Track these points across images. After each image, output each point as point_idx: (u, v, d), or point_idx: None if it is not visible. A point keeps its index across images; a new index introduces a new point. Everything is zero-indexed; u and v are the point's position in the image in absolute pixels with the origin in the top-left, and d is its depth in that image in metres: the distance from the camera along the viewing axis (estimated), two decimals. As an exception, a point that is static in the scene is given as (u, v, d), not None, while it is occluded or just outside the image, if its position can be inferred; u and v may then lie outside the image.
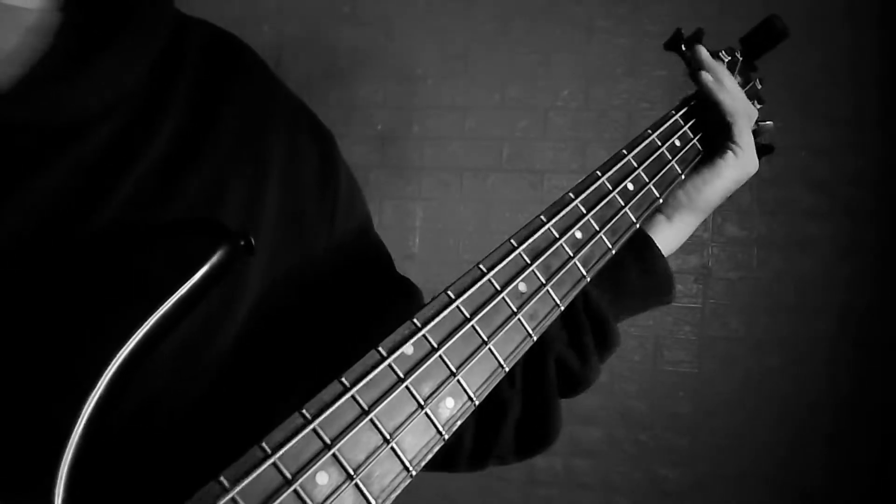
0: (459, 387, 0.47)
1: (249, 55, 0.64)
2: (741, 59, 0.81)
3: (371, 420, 0.42)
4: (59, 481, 0.38)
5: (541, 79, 2.26)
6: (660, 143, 0.69)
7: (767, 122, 0.81)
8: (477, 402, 0.48)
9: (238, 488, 0.37)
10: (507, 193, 2.27)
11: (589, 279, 0.58)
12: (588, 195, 0.60)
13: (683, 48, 0.78)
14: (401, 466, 0.43)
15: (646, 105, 2.21)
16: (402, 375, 0.44)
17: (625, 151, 0.66)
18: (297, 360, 0.62)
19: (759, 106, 0.82)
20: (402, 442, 0.43)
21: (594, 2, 2.24)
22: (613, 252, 0.61)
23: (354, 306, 0.66)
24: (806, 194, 2.11)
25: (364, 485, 0.41)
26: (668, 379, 2.15)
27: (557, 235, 0.56)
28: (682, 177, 0.72)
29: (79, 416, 0.39)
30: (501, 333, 0.50)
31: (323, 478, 0.40)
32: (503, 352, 0.50)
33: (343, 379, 0.42)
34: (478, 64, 2.29)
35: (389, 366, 0.44)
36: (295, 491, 0.39)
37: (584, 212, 0.59)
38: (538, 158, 2.26)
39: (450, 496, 2.20)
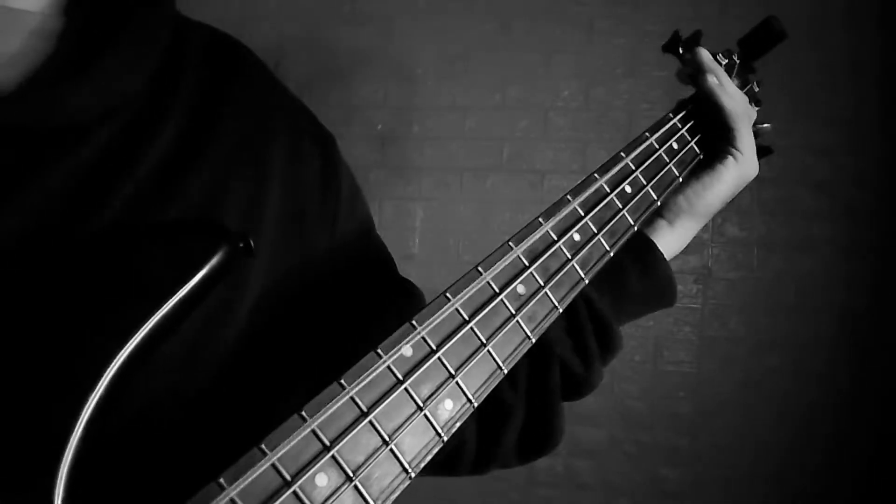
0: (458, 388, 0.47)
1: (250, 57, 0.64)
2: (739, 61, 0.81)
3: (370, 422, 0.42)
4: (59, 481, 0.38)
5: (541, 79, 2.27)
6: (657, 146, 0.69)
7: (766, 125, 0.81)
8: (476, 404, 0.48)
9: (237, 489, 0.37)
10: (507, 193, 2.27)
11: (587, 281, 0.58)
12: (586, 197, 0.60)
13: (681, 51, 0.78)
14: (400, 468, 0.43)
15: (646, 105, 2.21)
16: (401, 377, 0.44)
17: (623, 154, 0.66)
18: (297, 360, 0.62)
19: (757, 108, 0.82)
20: (401, 443, 0.43)
21: (595, 2, 2.24)
22: (612, 254, 0.61)
23: (355, 307, 0.66)
24: (806, 195, 2.11)
25: (363, 486, 0.41)
26: (669, 379, 2.15)
27: (556, 237, 0.57)
28: (680, 179, 0.72)
29: (79, 416, 0.40)
30: (500, 335, 0.50)
31: (322, 479, 0.40)
32: (502, 353, 0.50)
33: (342, 380, 0.43)
34: (478, 64, 2.30)
35: (388, 367, 0.44)
36: (294, 492, 0.39)
37: (583, 214, 0.59)
38: (538, 158, 2.26)
39: (449, 497, 2.20)
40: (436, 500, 2.14)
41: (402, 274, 0.75)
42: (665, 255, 0.75)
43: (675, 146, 0.71)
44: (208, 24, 0.63)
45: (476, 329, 0.49)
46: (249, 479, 0.38)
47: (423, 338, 0.46)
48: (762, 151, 0.80)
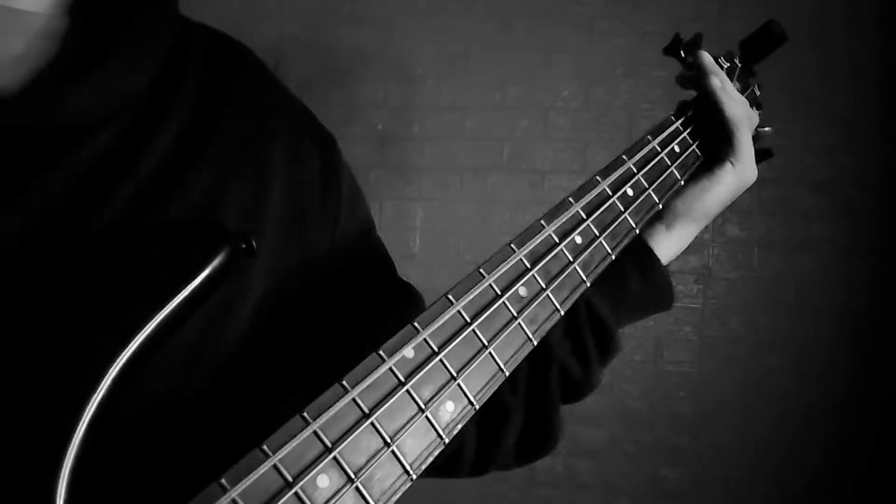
0: (460, 391, 0.47)
1: (250, 58, 0.64)
2: (740, 64, 0.81)
3: (372, 423, 0.42)
4: (61, 481, 0.38)
5: (541, 79, 2.27)
6: (659, 149, 0.69)
7: (766, 128, 0.81)
8: (477, 406, 0.48)
9: (239, 490, 0.37)
10: (507, 193, 2.27)
11: (589, 284, 0.58)
12: (588, 200, 0.60)
13: (683, 53, 0.78)
14: (401, 470, 0.43)
15: (646, 105, 2.21)
16: (402, 379, 0.44)
17: (624, 157, 0.66)
18: (298, 360, 0.63)
19: (758, 111, 0.82)
20: (402, 445, 0.43)
21: (595, 2, 2.24)
22: (613, 257, 0.61)
23: (355, 307, 0.66)
24: (806, 195, 2.11)
25: (365, 488, 0.41)
26: (669, 379, 2.16)
27: (557, 240, 0.57)
28: (682, 182, 0.72)
29: (81, 417, 0.40)
30: (502, 337, 0.50)
31: (324, 480, 0.40)
32: (503, 356, 0.50)
33: (344, 382, 0.43)
34: (478, 64, 2.30)
35: (390, 369, 0.44)
36: (296, 493, 0.39)
37: (584, 217, 0.59)
38: (539, 158, 2.26)
39: (450, 498, 2.20)
40: (436, 500, 2.14)
41: (403, 274, 0.75)
42: (663, 259, 0.75)
43: (677, 149, 0.71)
44: (208, 25, 0.63)
45: (478, 331, 0.49)
46: (251, 480, 0.38)
47: (424, 339, 0.46)
48: (762, 154, 0.80)
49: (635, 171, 0.66)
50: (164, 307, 0.43)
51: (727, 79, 0.76)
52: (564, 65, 2.26)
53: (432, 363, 0.46)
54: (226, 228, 0.47)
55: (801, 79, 2.03)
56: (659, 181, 0.68)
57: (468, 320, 0.49)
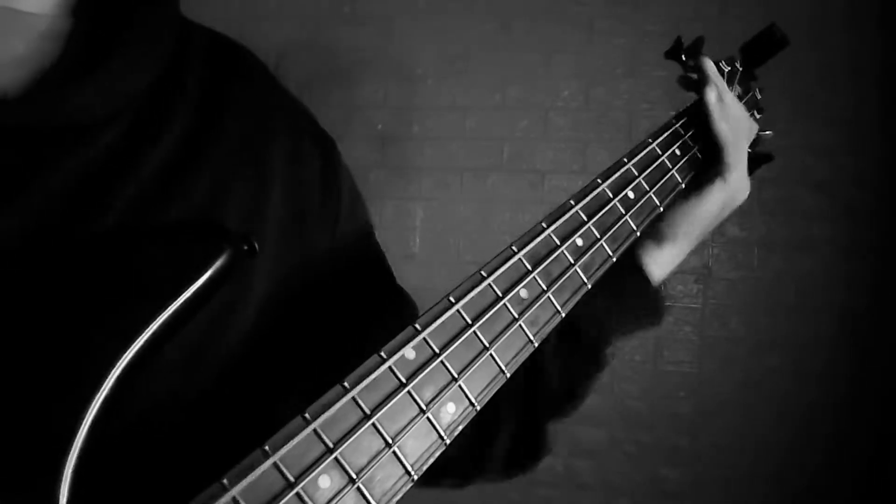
0: (461, 392, 0.47)
1: (251, 60, 0.65)
2: (741, 68, 0.81)
3: (373, 424, 0.43)
4: (63, 482, 0.39)
5: (541, 79, 2.27)
6: (660, 153, 0.70)
7: (767, 132, 0.81)
8: (478, 408, 0.48)
9: (240, 490, 0.37)
10: (507, 193, 2.27)
11: (590, 286, 0.58)
12: (588, 202, 0.60)
13: (684, 57, 0.78)
14: (402, 470, 0.43)
15: (646, 105, 2.21)
16: (403, 380, 0.45)
17: (625, 159, 0.66)
18: (299, 361, 0.63)
19: (758, 115, 0.82)
20: (403, 446, 0.44)
21: (595, 2, 2.24)
22: (614, 259, 0.61)
23: (354, 308, 0.67)
24: (806, 195, 2.11)
25: (366, 488, 0.41)
26: (669, 379, 2.16)
27: (558, 242, 0.57)
28: (683, 185, 0.72)
29: (83, 418, 0.40)
30: (503, 339, 0.50)
31: (325, 481, 0.40)
32: (504, 357, 0.50)
33: (345, 382, 0.43)
34: (478, 64, 2.30)
35: (391, 370, 0.44)
36: (297, 494, 0.39)
37: (585, 219, 0.59)
38: (539, 158, 2.26)
39: (449, 497, 2.20)
40: (436, 500, 2.14)
41: (403, 274, 0.75)
42: (655, 277, 0.74)
43: (678, 152, 0.71)
44: (209, 27, 0.64)
45: (479, 333, 0.49)
46: (252, 480, 0.38)
47: (426, 341, 0.46)
48: (763, 158, 0.80)
49: (636, 173, 0.66)
50: (166, 308, 0.44)
51: (727, 89, 0.75)
52: (564, 65, 2.26)
53: (433, 364, 0.46)
54: (227, 229, 0.47)
55: (801, 79, 2.03)
56: (660, 184, 0.68)
57: (469, 322, 0.49)
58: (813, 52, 2.03)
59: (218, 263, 0.46)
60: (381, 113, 2.32)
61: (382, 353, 0.44)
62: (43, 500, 0.38)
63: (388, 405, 0.43)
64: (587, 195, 0.61)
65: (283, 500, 0.38)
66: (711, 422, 2.13)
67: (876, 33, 2.07)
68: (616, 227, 0.62)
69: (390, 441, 0.43)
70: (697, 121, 0.75)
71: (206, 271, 0.45)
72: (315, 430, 0.40)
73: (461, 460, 0.69)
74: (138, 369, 0.43)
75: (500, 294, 0.51)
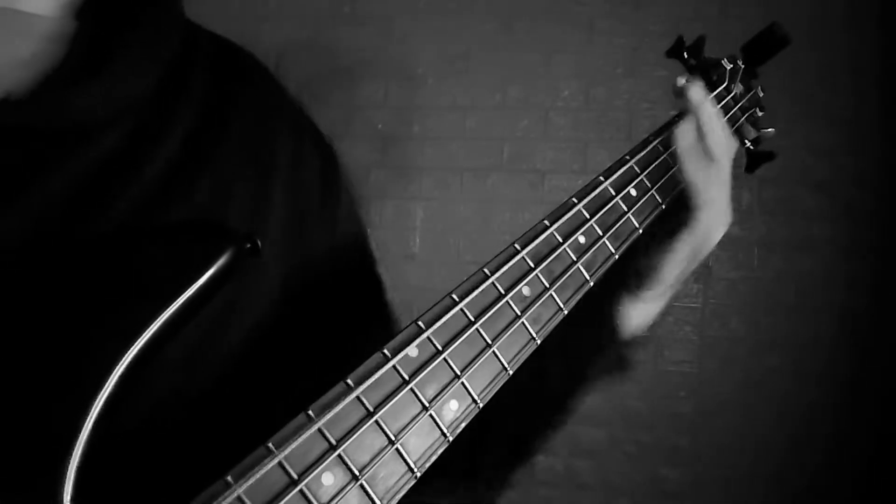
0: (464, 389, 0.47)
1: (254, 64, 0.65)
2: (743, 66, 0.81)
3: (376, 422, 0.43)
4: (67, 480, 0.39)
5: (541, 79, 2.27)
6: (662, 150, 0.69)
7: (769, 130, 0.81)
8: (481, 405, 0.48)
9: (244, 487, 0.37)
10: (507, 193, 2.27)
11: (592, 283, 0.58)
12: (591, 200, 0.60)
13: (686, 55, 0.78)
14: (405, 468, 0.43)
15: (646, 105, 2.21)
16: (406, 377, 0.45)
17: (628, 157, 0.66)
18: (300, 360, 0.63)
19: (760, 114, 0.82)
20: (406, 443, 0.44)
21: (595, 2, 2.24)
22: (617, 257, 0.61)
23: (350, 309, 0.67)
24: (806, 195, 2.12)
25: (369, 485, 0.41)
26: (669, 379, 2.16)
27: (561, 240, 0.57)
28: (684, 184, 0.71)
29: (86, 417, 0.40)
30: (505, 336, 0.50)
31: (328, 478, 0.40)
32: (507, 355, 0.50)
33: (348, 380, 0.43)
34: (478, 64, 2.30)
35: (394, 367, 0.44)
36: (301, 491, 0.39)
37: (588, 217, 0.59)
38: (539, 158, 2.27)
39: (450, 496, 2.20)
40: (436, 499, 2.14)
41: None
42: (628, 328, 0.71)
43: None
44: (213, 31, 0.64)
45: (481, 330, 0.49)
46: (256, 478, 0.38)
47: (428, 338, 0.46)
48: (765, 157, 0.80)
49: (638, 171, 0.66)
50: (167, 308, 0.44)
51: (713, 116, 0.70)
52: (565, 65, 2.26)
53: (436, 362, 0.46)
54: (230, 229, 0.48)
55: (801, 79, 2.04)
56: (662, 182, 0.68)
57: (472, 319, 0.49)
58: (813, 52, 2.03)
59: (220, 262, 0.46)
60: (381, 113, 2.32)
61: (385, 351, 0.45)
62: (46, 500, 0.38)
63: (391, 403, 0.43)
64: (589, 193, 0.61)
65: (287, 498, 0.38)
66: (711, 422, 2.13)
67: (876, 33, 2.08)
68: (618, 224, 0.62)
69: (393, 438, 0.43)
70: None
71: (207, 270, 0.45)
72: (318, 428, 0.41)
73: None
74: (140, 368, 0.43)
75: (503, 292, 0.51)
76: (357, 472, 0.41)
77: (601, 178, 0.63)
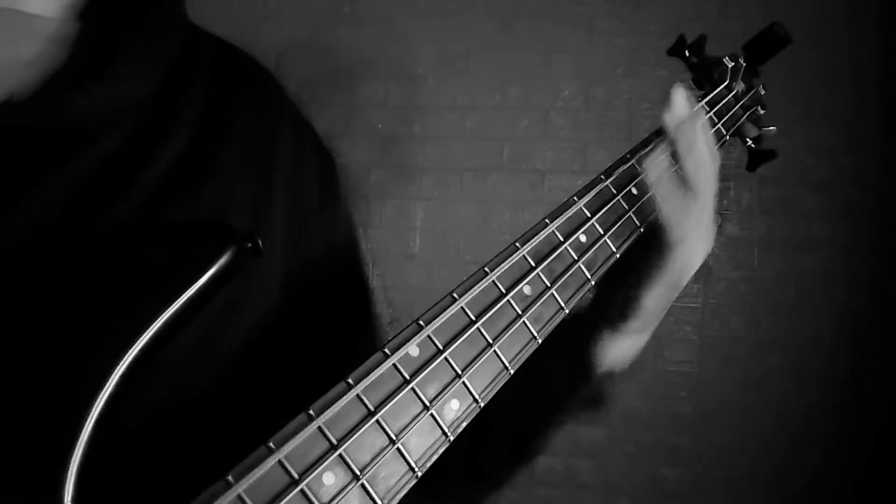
0: (465, 388, 0.47)
1: (256, 67, 0.66)
2: (744, 65, 0.81)
3: (377, 421, 0.42)
4: (67, 480, 0.39)
5: (542, 79, 2.27)
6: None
7: (770, 128, 0.81)
8: (482, 405, 0.48)
9: (245, 487, 0.37)
10: (507, 193, 2.27)
11: (593, 282, 0.58)
12: (591, 199, 0.60)
13: (687, 54, 0.78)
14: (406, 467, 0.43)
15: (646, 105, 2.21)
16: (407, 377, 0.45)
17: (629, 156, 0.66)
18: (299, 360, 0.63)
19: (761, 112, 0.82)
20: (407, 443, 0.44)
21: (595, 2, 2.24)
22: (618, 256, 0.61)
23: (339, 315, 0.68)
24: (806, 194, 2.12)
25: (370, 485, 0.41)
26: (669, 379, 2.16)
27: (562, 239, 0.57)
28: None
29: (88, 416, 0.40)
30: (506, 336, 0.50)
31: (329, 478, 0.40)
32: (508, 354, 0.50)
33: (349, 379, 0.43)
34: (479, 64, 2.30)
35: (395, 367, 0.44)
36: (301, 491, 0.39)
37: (589, 216, 0.59)
38: (539, 158, 2.26)
39: (450, 496, 2.20)
40: (436, 499, 2.13)
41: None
42: (606, 365, 0.68)
43: None
44: (213, 33, 0.64)
45: (482, 329, 0.49)
46: (257, 477, 0.38)
47: (429, 337, 0.46)
48: (766, 156, 0.80)
49: (640, 169, 0.66)
50: (168, 307, 0.44)
51: (691, 140, 0.64)
52: (564, 65, 2.26)
53: (437, 361, 0.46)
54: (232, 228, 0.48)
55: (801, 79, 2.04)
56: None
57: (473, 318, 0.49)
58: (813, 52, 2.03)
59: (221, 262, 0.46)
60: (381, 113, 2.32)
61: (386, 350, 0.44)
62: (47, 500, 0.38)
63: (392, 402, 0.43)
64: (590, 191, 0.61)
65: (288, 498, 0.38)
66: (711, 422, 2.13)
67: (876, 33, 2.08)
68: (620, 223, 0.62)
69: (394, 438, 0.43)
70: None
71: (208, 270, 0.45)
72: (319, 427, 0.40)
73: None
74: (141, 368, 0.43)
75: (504, 291, 0.51)
76: (358, 472, 0.41)
77: (602, 177, 0.63)
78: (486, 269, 0.51)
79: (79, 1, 0.53)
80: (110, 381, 0.41)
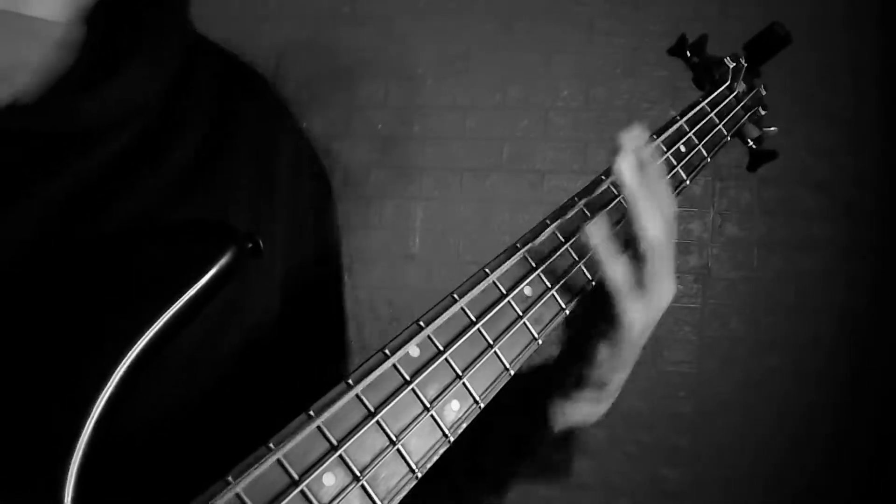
0: (465, 389, 0.47)
1: (256, 75, 0.66)
2: (745, 65, 0.81)
3: (377, 422, 0.42)
4: (68, 481, 0.39)
5: (541, 79, 2.27)
6: (665, 149, 0.69)
7: (772, 129, 0.81)
8: (482, 406, 0.48)
9: (244, 487, 0.37)
10: (507, 193, 2.27)
11: (595, 283, 0.58)
12: (592, 199, 0.60)
13: (688, 54, 0.78)
14: (406, 468, 0.43)
15: (646, 105, 2.21)
16: (407, 378, 0.44)
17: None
18: (298, 360, 0.63)
19: (763, 112, 0.82)
20: (407, 444, 0.43)
21: (595, 2, 2.24)
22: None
23: (337, 312, 0.69)
24: (806, 195, 2.12)
25: (370, 486, 0.41)
26: (669, 379, 2.16)
27: (563, 239, 0.57)
28: (688, 182, 0.71)
29: (88, 417, 0.40)
30: (507, 337, 0.50)
31: (329, 479, 0.40)
32: (509, 355, 0.50)
33: (349, 380, 0.43)
34: (479, 64, 2.30)
35: (395, 368, 0.44)
36: (302, 491, 0.39)
37: (589, 216, 0.59)
38: (538, 158, 2.26)
39: (450, 496, 2.20)
40: (436, 499, 2.13)
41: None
42: (564, 424, 0.64)
43: (683, 149, 0.71)
44: (220, 45, 0.65)
45: (483, 330, 0.49)
46: (257, 477, 0.38)
47: (430, 338, 0.46)
48: (767, 156, 0.79)
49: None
50: (169, 307, 0.44)
51: (645, 178, 0.56)
52: (564, 65, 2.26)
53: (438, 362, 0.46)
54: (232, 228, 0.48)
55: (801, 79, 2.04)
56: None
57: (473, 319, 0.49)
58: (813, 52, 2.03)
59: (222, 262, 0.46)
60: (381, 113, 2.32)
61: (386, 350, 0.44)
62: (47, 500, 0.38)
63: (392, 403, 0.43)
64: (591, 192, 0.61)
65: (288, 498, 0.38)
66: (711, 422, 2.13)
67: (876, 33, 2.08)
68: (620, 224, 0.62)
69: (394, 439, 0.43)
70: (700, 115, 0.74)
71: (209, 270, 0.45)
72: (319, 428, 0.40)
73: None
74: (142, 368, 0.43)
75: (505, 292, 0.51)
76: (358, 473, 0.41)
77: (602, 177, 0.63)
78: (487, 269, 0.51)
79: (84, 5, 0.53)
80: (111, 381, 0.41)
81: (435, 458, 0.45)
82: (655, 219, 0.54)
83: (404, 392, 0.44)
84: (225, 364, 0.55)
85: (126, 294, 0.44)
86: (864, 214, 2.08)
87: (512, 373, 0.50)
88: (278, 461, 0.39)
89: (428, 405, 0.45)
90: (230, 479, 0.37)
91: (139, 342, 0.42)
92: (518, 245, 0.54)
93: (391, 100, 2.32)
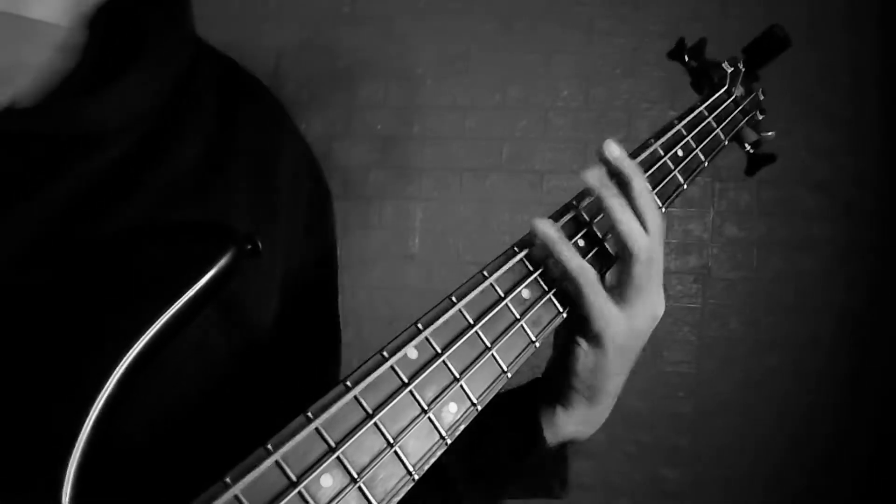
0: (463, 392, 0.47)
1: (256, 81, 0.67)
2: (744, 68, 0.81)
3: (375, 424, 0.43)
4: (66, 480, 0.39)
5: (541, 79, 2.27)
6: (662, 153, 0.69)
7: (769, 133, 0.81)
8: (479, 408, 0.48)
9: (242, 488, 0.37)
10: (507, 193, 2.27)
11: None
12: (590, 203, 0.60)
13: (686, 58, 0.78)
14: (404, 470, 0.43)
15: (646, 105, 2.21)
16: (405, 380, 0.45)
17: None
18: (298, 361, 0.63)
19: (760, 117, 0.82)
20: (405, 446, 0.44)
21: (595, 2, 2.24)
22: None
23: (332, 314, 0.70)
24: (806, 195, 2.11)
25: (368, 488, 0.42)
26: (669, 379, 2.16)
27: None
28: (685, 187, 0.70)
29: (87, 417, 0.40)
30: (504, 339, 0.50)
31: (327, 480, 0.40)
32: (506, 358, 0.50)
33: (347, 382, 0.43)
34: (478, 64, 2.30)
35: (393, 370, 0.44)
36: (300, 493, 0.39)
37: (587, 219, 0.59)
38: (538, 159, 2.26)
39: (450, 496, 2.20)
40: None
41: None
42: (557, 437, 0.65)
43: (681, 153, 0.71)
44: (215, 47, 0.65)
45: (480, 333, 0.49)
46: (255, 479, 0.38)
47: (428, 341, 0.46)
48: (765, 159, 0.79)
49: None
50: (168, 308, 0.44)
51: (626, 193, 0.57)
52: (564, 65, 2.26)
53: (435, 364, 0.46)
54: (232, 228, 0.48)
55: (801, 79, 2.03)
56: (661, 186, 0.68)
57: (471, 322, 0.49)
58: (813, 52, 2.03)
59: (221, 262, 0.46)
60: (381, 113, 2.32)
61: (385, 352, 0.45)
62: (46, 500, 0.38)
63: (390, 405, 0.44)
64: (588, 196, 0.61)
65: (286, 499, 0.39)
66: (711, 422, 2.13)
67: (876, 33, 2.08)
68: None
69: (392, 441, 0.43)
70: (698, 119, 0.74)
71: (209, 271, 0.45)
72: (317, 429, 0.41)
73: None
74: (141, 368, 0.43)
75: (503, 294, 0.51)
76: (356, 475, 0.41)
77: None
78: (485, 272, 0.51)
79: (86, 9, 0.53)
80: (110, 381, 0.41)
81: (433, 460, 0.45)
82: (637, 233, 0.55)
83: (402, 394, 0.44)
84: (224, 365, 0.55)
85: (125, 294, 0.44)
86: (864, 214, 2.08)
87: (510, 375, 0.50)
88: (276, 462, 0.39)
89: (426, 407, 0.45)
90: (228, 480, 0.37)
91: (139, 342, 0.42)
92: (516, 248, 0.54)
93: (391, 100, 2.32)
